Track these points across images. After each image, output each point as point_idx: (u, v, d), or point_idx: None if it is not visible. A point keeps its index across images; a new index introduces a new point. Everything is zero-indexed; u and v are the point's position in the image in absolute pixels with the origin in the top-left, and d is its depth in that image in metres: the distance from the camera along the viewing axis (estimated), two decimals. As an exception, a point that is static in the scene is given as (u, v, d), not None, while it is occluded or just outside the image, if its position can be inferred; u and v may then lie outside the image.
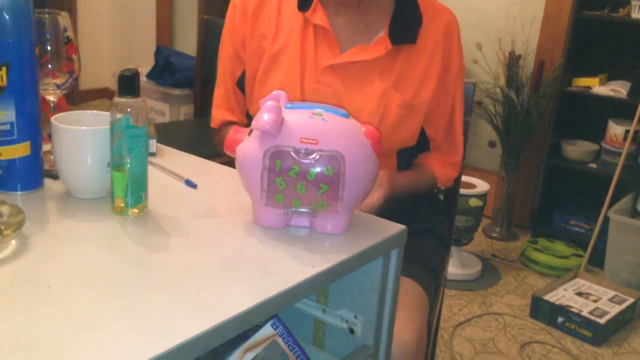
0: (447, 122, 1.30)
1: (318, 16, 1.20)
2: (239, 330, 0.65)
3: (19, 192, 0.91)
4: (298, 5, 1.21)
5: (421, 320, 1.12)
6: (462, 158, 1.36)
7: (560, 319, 2.21)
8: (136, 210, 0.86)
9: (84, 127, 0.88)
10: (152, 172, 0.99)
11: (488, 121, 2.80)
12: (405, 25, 1.20)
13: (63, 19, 0.99)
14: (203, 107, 2.50)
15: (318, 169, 0.79)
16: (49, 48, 0.97)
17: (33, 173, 0.92)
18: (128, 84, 0.82)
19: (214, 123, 1.35)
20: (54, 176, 0.95)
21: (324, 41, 1.20)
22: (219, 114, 1.34)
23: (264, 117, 0.79)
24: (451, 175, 1.35)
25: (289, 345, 0.85)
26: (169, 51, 3.72)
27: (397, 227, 0.88)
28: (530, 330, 2.21)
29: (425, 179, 1.31)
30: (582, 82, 2.73)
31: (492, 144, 2.98)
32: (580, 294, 2.35)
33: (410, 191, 1.27)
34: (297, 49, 1.20)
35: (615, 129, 2.64)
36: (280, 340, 0.85)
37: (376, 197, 1.13)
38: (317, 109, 0.85)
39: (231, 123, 1.32)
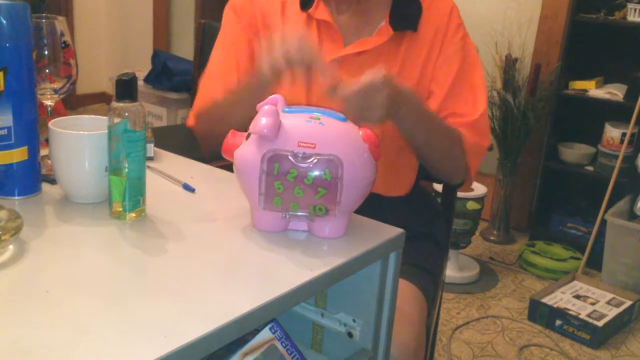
0: (447, 93, 1.22)
1: (321, 12, 1.21)
2: (237, 334, 0.65)
3: (16, 197, 0.90)
4: (301, 4, 1.22)
5: (420, 323, 1.12)
6: (481, 118, 1.21)
7: (558, 322, 2.21)
8: (134, 215, 0.86)
9: (81, 132, 0.88)
10: (149, 176, 0.99)
11: (485, 124, 2.80)
12: (405, 14, 1.22)
13: (60, 23, 0.99)
14: (200, 111, 2.49)
15: (316, 173, 0.79)
16: (46, 53, 0.97)
17: (30, 178, 0.92)
18: (126, 88, 0.82)
19: (205, 102, 1.23)
20: (52, 181, 0.95)
21: (327, 36, 1.22)
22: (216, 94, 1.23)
23: (261, 121, 0.79)
24: (477, 140, 1.20)
25: (287, 349, 0.85)
26: (166, 55, 3.72)
27: (395, 231, 0.88)
28: (529, 333, 2.21)
29: (445, 124, 1.17)
30: (579, 85, 2.74)
31: (489, 147, 2.98)
32: (578, 296, 2.35)
33: (429, 120, 1.14)
34: None
35: (612, 132, 2.64)
36: (278, 344, 0.84)
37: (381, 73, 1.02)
38: (315, 113, 0.85)
39: None
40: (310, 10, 1.21)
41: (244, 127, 1.16)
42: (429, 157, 1.20)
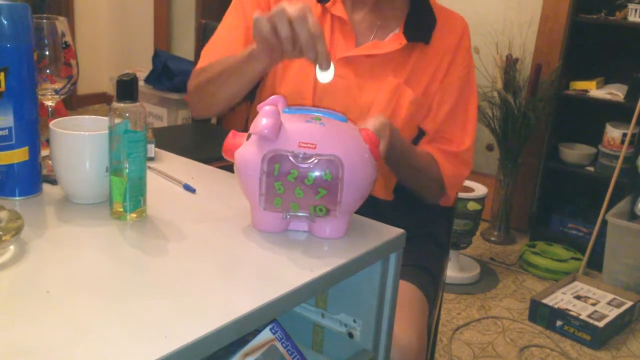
0: (446, 115, 1.25)
1: (337, 8, 1.21)
2: (238, 335, 0.65)
3: (17, 198, 0.90)
4: None
5: (421, 323, 1.12)
6: (468, 151, 1.25)
7: (558, 323, 2.21)
8: (135, 215, 0.86)
9: (82, 132, 0.88)
10: (150, 176, 0.99)
11: (486, 125, 2.80)
12: (420, 25, 1.22)
13: (61, 24, 0.99)
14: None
15: (316, 174, 0.79)
16: (47, 53, 0.97)
17: (31, 178, 0.92)
18: (126, 88, 0.82)
19: (202, 62, 1.22)
20: (53, 181, 0.95)
21: (340, 33, 1.22)
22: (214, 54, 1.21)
23: (262, 122, 0.79)
24: (458, 171, 1.24)
25: (288, 350, 0.85)
26: (166, 55, 3.72)
27: (395, 231, 0.88)
28: (529, 334, 2.21)
29: (427, 159, 1.21)
30: (579, 85, 2.74)
31: (489, 148, 2.98)
32: (578, 297, 2.35)
33: (410, 160, 1.16)
34: None
35: (613, 132, 2.64)
36: (279, 345, 0.84)
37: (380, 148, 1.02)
38: (316, 113, 0.85)
39: None
40: (328, 5, 1.21)
41: (228, 101, 1.16)
42: (405, 183, 1.24)
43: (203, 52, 1.25)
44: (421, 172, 1.21)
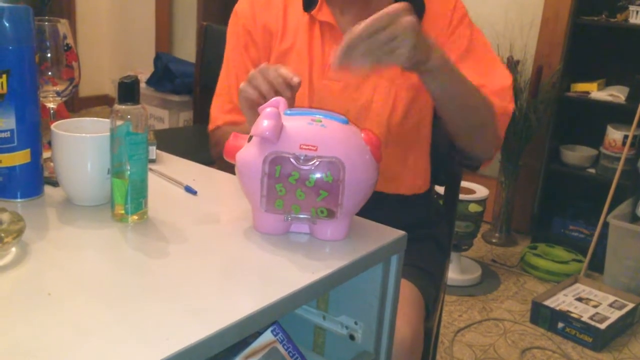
0: (456, 60, 1.17)
1: (324, 14, 1.22)
2: (239, 337, 0.65)
3: (19, 200, 0.91)
4: (304, 5, 1.22)
5: (416, 318, 1.11)
6: (507, 87, 1.19)
7: (560, 325, 2.21)
8: (136, 217, 0.86)
9: (84, 135, 0.88)
10: (151, 178, 0.99)
11: (487, 126, 2.80)
12: None
13: (63, 26, 0.99)
14: (202, 113, 2.50)
15: (317, 175, 0.79)
16: (49, 55, 0.98)
17: (33, 180, 0.92)
18: (128, 91, 0.82)
19: (213, 124, 1.31)
20: (54, 183, 0.95)
21: (330, 38, 1.22)
22: (220, 115, 1.30)
23: (263, 124, 0.80)
24: (503, 103, 1.18)
25: (289, 352, 0.85)
26: (168, 58, 3.73)
27: (397, 233, 0.88)
28: (531, 336, 2.21)
29: (475, 87, 1.13)
30: (581, 87, 2.74)
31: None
32: (580, 299, 2.35)
33: (459, 78, 1.09)
34: (304, 47, 1.22)
35: (614, 134, 2.64)
36: (280, 347, 0.84)
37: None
38: (317, 115, 0.85)
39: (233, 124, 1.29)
40: (313, 12, 1.22)
41: None
42: (465, 126, 1.17)
43: (212, 103, 1.30)
44: (476, 95, 1.13)
